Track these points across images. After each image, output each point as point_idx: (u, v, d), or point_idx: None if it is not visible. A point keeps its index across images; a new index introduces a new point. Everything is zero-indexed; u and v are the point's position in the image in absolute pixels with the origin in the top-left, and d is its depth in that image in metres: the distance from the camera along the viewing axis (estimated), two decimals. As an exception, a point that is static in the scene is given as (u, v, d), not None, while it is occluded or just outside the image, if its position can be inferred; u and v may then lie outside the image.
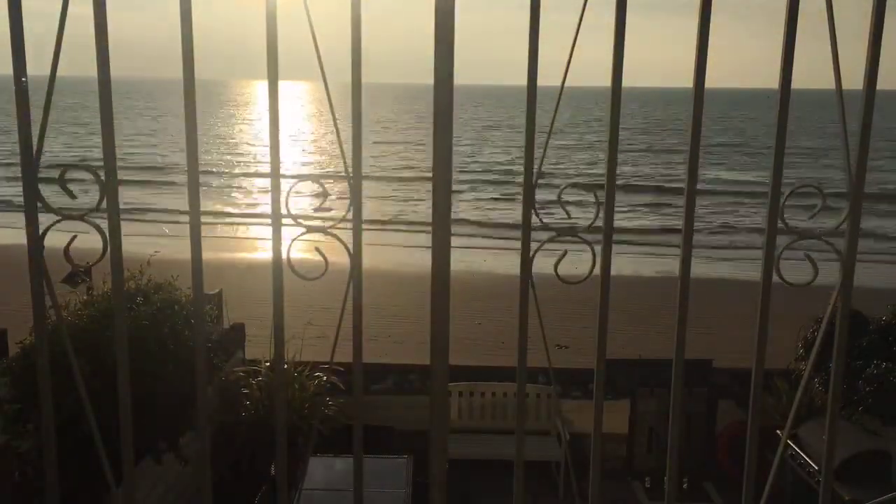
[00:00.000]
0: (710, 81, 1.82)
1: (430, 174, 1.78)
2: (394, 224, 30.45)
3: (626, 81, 1.79)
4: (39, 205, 1.74)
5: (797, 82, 1.83)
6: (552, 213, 2.00)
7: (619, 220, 28.60)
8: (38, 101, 1.68)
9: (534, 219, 1.85)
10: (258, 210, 34.06)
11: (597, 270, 1.87)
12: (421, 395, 8.94)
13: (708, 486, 8.75)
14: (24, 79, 1.69)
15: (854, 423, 7.50)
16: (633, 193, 39.08)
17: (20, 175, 1.76)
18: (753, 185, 42.31)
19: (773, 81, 1.78)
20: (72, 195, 1.78)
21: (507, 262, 22.18)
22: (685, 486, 8.58)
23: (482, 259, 23.71)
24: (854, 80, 1.82)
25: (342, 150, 1.84)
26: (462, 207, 35.52)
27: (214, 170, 46.06)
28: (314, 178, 1.89)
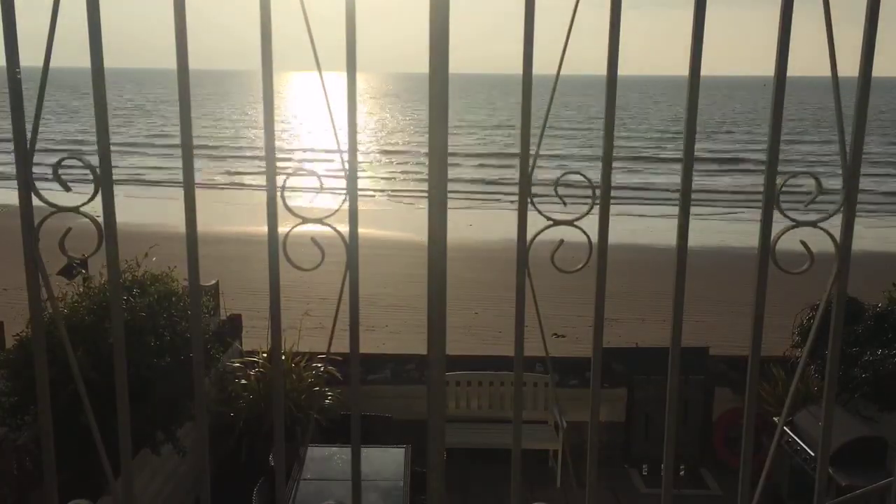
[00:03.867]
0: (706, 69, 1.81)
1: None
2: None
3: (623, 70, 1.79)
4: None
5: (793, 69, 1.83)
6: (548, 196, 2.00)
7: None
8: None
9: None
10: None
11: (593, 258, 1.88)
12: (418, 384, 8.96)
13: (705, 473, 8.80)
14: (17, 69, 1.68)
15: (850, 410, 7.53)
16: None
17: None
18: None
19: (768, 69, 1.78)
20: (66, 187, 1.77)
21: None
22: (682, 473, 8.63)
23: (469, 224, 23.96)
24: (851, 68, 1.82)
25: (337, 141, 1.84)
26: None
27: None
28: (311, 171, 1.89)
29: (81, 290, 6.46)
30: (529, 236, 1.85)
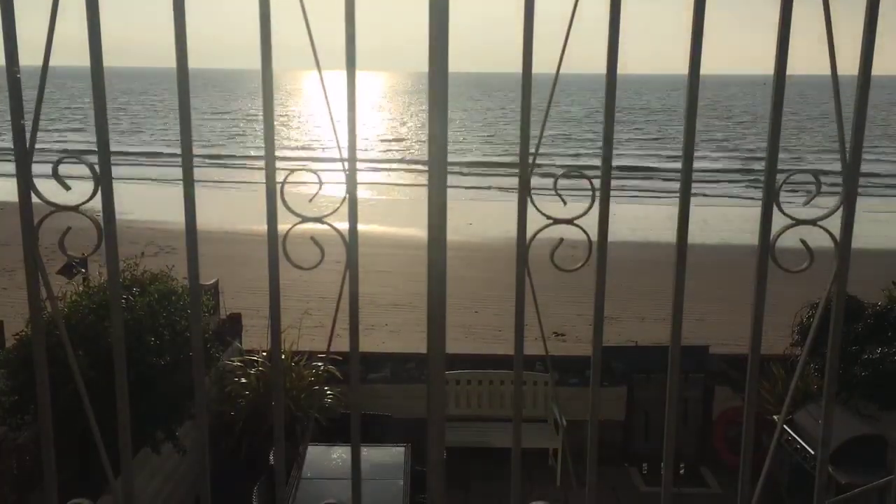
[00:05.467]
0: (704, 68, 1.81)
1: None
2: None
3: (622, 69, 1.79)
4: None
5: (793, 68, 1.83)
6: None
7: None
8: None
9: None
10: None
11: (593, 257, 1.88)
12: (418, 383, 8.96)
13: (704, 472, 8.80)
14: (15, 67, 1.68)
15: (850, 409, 7.53)
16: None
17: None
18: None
19: (768, 67, 1.78)
20: (66, 186, 1.77)
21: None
22: (682, 471, 8.63)
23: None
24: (851, 66, 1.82)
25: (337, 139, 1.84)
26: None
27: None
28: (310, 168, 1.89)
29: (81, 289, 6.46)
30: (529, 234, 1.84)
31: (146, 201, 29.98)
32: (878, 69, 1.83)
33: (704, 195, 35.14)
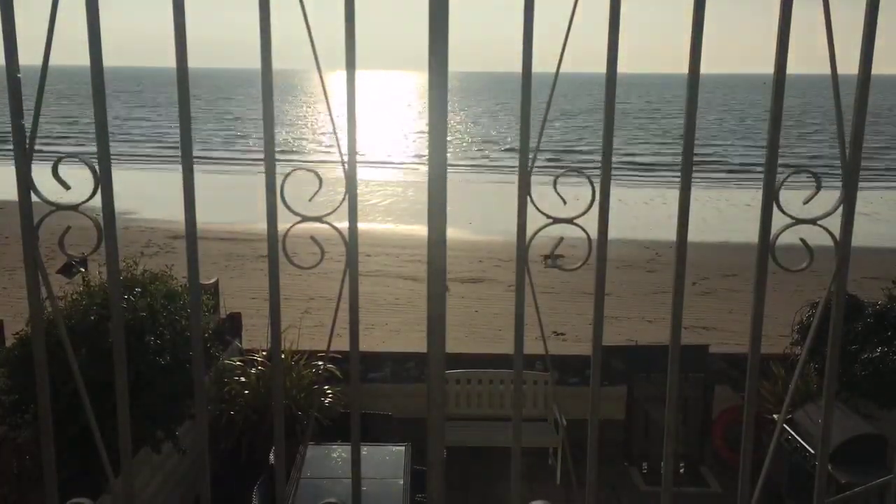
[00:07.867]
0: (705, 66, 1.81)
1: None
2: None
3: (622, 68, 1.79)
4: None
5: (794, 66, 1.83)
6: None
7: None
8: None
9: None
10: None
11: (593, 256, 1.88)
12: (418, 383, 8.96)
13: (704, 471, 8.80)
14: (16, 69, 1.68)
15: (850, 408, 7.54)
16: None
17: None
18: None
19: (768, 66, 1.78)
20: (66, 186, 1.77)
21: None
22: (682, 470, 8.63)
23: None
24: (851, 64, 1.82)
25: (337, 138, 1.84)
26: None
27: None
28: (309, 168, 1.89)
29: (81, 289, 6.46)
30: (529, 233, 1.84)
31: (146, 200, 29.94)
32: (877, 69, 1.83)
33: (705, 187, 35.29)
